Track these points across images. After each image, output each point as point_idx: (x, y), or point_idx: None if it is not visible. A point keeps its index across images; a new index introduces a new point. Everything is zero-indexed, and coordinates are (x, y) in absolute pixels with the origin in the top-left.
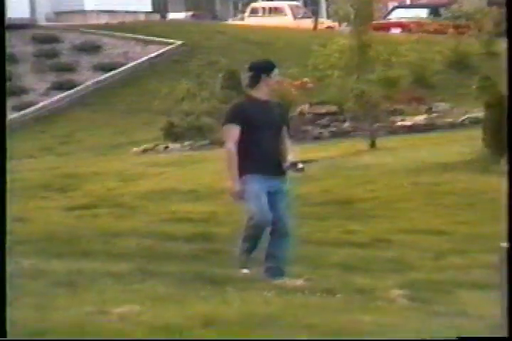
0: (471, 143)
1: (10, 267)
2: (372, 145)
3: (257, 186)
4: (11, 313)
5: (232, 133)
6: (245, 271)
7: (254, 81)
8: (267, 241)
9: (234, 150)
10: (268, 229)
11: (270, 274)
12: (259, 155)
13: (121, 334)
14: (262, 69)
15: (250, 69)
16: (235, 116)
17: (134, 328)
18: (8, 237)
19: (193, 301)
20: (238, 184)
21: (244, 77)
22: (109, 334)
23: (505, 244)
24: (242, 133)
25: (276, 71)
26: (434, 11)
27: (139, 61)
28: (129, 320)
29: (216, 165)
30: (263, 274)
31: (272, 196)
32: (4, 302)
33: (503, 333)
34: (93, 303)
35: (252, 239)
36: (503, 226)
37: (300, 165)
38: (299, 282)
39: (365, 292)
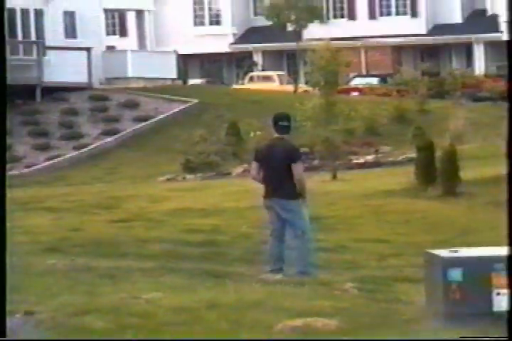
0: (407, 176)
1: (66, 264)
2: (334, 177)
3: None
4: (67, 297)
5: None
6: None
7: (289, 129)
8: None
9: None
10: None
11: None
12: None
13: (148, 314)
14: (289, 120)
15: (288, 119)
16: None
17: (157, 309)
18: (66, 242)
19: (200, 290)
20: None
21: (282, 125)
22: (138, 313)
23: (430, 250)
24: None
25: None
26: (383, 79)
27: (166, 114)
28: (154, 303)
29: (220, 190)
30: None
31: None
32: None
33: (427, 316)
34: (127, 291)
35: None
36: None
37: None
38: (279, 276)
39: (327, 284)
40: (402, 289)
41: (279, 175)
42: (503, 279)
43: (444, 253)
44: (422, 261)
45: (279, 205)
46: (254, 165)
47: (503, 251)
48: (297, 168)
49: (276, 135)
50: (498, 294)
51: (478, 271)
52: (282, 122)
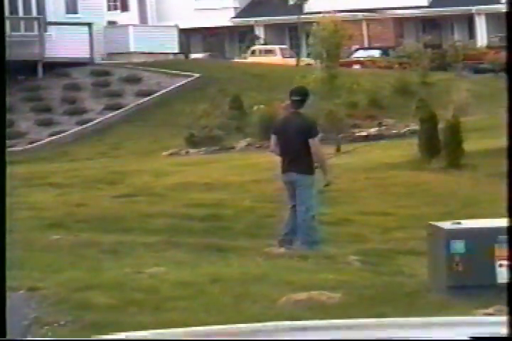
0: (410, 148)
1: (70, 239)
2: (338, 150)
3: None
4: (71, 272)
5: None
6: None
7: (303, 103)
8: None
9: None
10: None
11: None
12: None
13: (151, 288)
14: (307, 94)
15: (300, 94)
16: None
17: (161, 284)
18: (70, 218)
19: (204, 264)
20: None
21: (296, 99)
22: (143, 288)
23: (433, 222)
24: None
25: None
26: (385, 52)
27: (169, 89)
28: (157, 278)
29: (223, 164)
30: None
31: None
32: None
33: (430, 288)
34: (131, 266)
35: None
36: (434, 209)
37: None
38: (282, 250)
39: (330, 257)
40: (405, 262)
41: (295, 150)
42: (506, 251)
43: (446, 225)
44: (425, 233)
45: (293, 179)
46: (273, 138)
47: (506, 222)
48: (315, 143)
49: (291, 109)
50: (501, 266)
51: (481, 242)
52: (294, 96)
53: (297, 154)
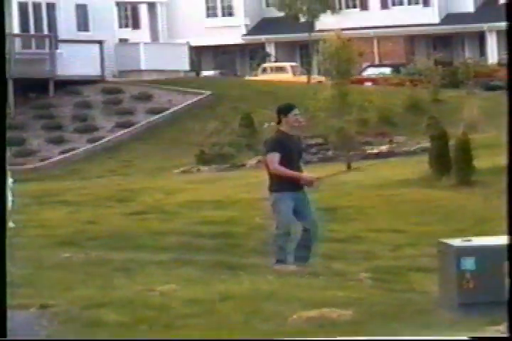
0: (421, 165)
1: (81, 257)
2: (349, 167)
3: (288, 201)
4: (82, 290)
5: (276, 158)
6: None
7: (278, 120)
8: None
9: (280, 167)
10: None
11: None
12: None
13: (162, 306)
14: (280, 112)
15: (279, 111)
16: (276, 146)
17: (172, 302)
18: (81, 235)
19: (215, 282)
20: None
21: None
22: (154, 306)
23: (443, 240)
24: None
25: (294, 111)
26: (396, 69)
27: (180, 106)
28: (168, 295)
29: (234, 182)
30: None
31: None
32: (4, 302)
33: (441, 305)
34: (142, 284)
35: None
36: (445, 226)
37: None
38: (293, 267)
39: (341, 274)
40: (416, 279)
41: (266, 168)
42: None
43: (457, 242)
44: (436, 250)
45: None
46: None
47: None
48: (268, 159)
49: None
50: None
51: (492, 259)
52: (277, 113)
53: (268, 172)
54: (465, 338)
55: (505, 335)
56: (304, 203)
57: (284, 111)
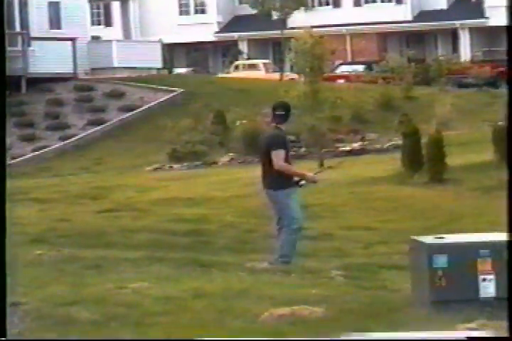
0: (393, 162)
1: (52, 255)
2: (321, 164)
3: (295, 197)
4: (54, 287)
5: (282, 155)
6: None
7: (286, 118)
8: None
9: (287, 164)
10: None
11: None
12: None
13: (134, 304)
14: (289, 110)
15: (285, 108)
16: (281, 143)
17: (143, 299)
18: (53, 233)
19: (187, 279)
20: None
21: (277, 114)
22: (125, 304)
23: (415, 237)
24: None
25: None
26: (369, 67)
27: (152, 104)
28: (140, 293)
29: (206, 179)
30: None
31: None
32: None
33: (413, 303)
34: (114, 281)
35: None
36: (417, 224)
37: (302, 182)
38: (265, 265)
39: (313, 272)
40: (388, 276)
41: (265, 165)
42: (489, 265)
43: (429, 239)
44: (408, 248)
45: (268, 195)
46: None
47: (488, 237)
48: (274, 156)
49: (273, 124)
50: (484, 280)
51: (464, 257)
52: (279, 111)
53: (266, 169)
54: (464, 338)
55: (505, 335)
56: (297, 201)
57: (290, 110)
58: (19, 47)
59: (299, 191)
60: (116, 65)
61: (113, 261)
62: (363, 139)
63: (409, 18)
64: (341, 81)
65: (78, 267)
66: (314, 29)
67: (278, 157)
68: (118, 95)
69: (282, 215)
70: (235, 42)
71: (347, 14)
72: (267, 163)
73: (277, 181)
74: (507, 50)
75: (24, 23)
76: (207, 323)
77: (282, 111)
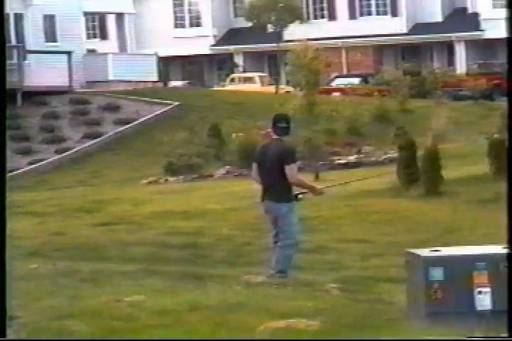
0: (389, 175)
1: (48, 268)
2: (317, 177)
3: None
4: (50, 301)
5: (296, 169)
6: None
7: (288, 131)
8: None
9: (301, 178)
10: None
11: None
12: None
13: (130, 317)
14: (290, 122)
15: (287, 121)
16: (295, 156)
17: (140, 312)
18: (49, 246)
19: (182, 292)
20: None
21: (280, 126)
22: (121, 317)
23: (410, 250)
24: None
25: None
26: (364, 79)
27: (147, 117)
28: (136, 306)
29: (202, 192)
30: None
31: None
32: (4, 302)
33: (409, 315)
34: (110, 294)
35: None
36: (413, 236)
37: (300, 196)
38: (261, 278)
39: (309, 285)
40: (384, 289)
41: (271, 177)
42: (485, 278)
43: (425, 252)
44: (404, 261)
45: (269, 208)
46: (254, 166)
47: (485, 249)
48: (289, 170)
49: (274, 136)
50: (480, 293)
51: (460, 270)
52: (280, 123)
53: (274, 182)
54: (465, 338)
55: (505, 335)
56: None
57: (289, 120)
58: (15, 61)
59: (297, 205)
60: (111, 78)
61: (109, 274)
62: (358, 152)
63: (405, 30)
64: (337, 94)
65: (74, 280)
66: (309, 42)
67: (293, 171)
68: (114, 108)
69: (282, 229)
70: (230, 55)
71: (342, 27)
72: (275, 175)
73: (282, 194)
74: (507, 62)
75: (20, 37)
76: (202, 336)
77: (284, 124)
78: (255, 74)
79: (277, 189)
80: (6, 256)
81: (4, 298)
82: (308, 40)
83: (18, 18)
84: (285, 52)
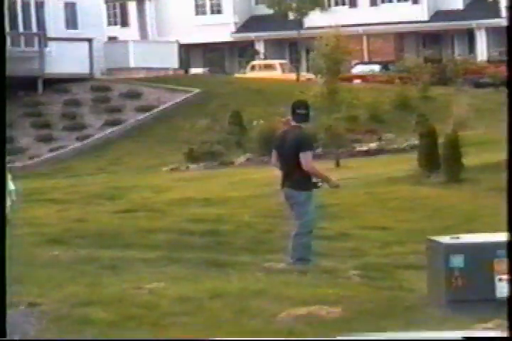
0: (410, 163)
1: (69, 255)
2: (338, 164)
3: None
4: (70, 288)
5: (311, 157)
6: None
7: (307, 117)
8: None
9: (315, 166)
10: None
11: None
12: None
13: (151, 304)
14: (309, 109)
15: (306, 107)
16: (311, 144)
17: (160, 300)
18: (69, 233)
19: (203, 280)
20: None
21: (298, 113)
22: (142, 304)
23: (431, 237)
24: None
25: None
26: (385, 67)
27: (169, 104)
28: (157, 293)
29: (223, 180)
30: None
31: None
32: (4, 302)
33: (429, 303)
34: (130, 282)
35: None
36: (433, 224)
37: (320, 184)
38: (282, 265)
39: (330, 272)
40: (405, 276)
41: (289, 164)
42: (506, 265)
43: (445, 239)
44: (424, 248)
45: (288, 195)
46: (273, 152)
47: (505, 237)
48: (304, 157)
49: (293, 123)
50: (501, 280)
51: (481, 257)
52: (299, 110)
53: (291, 169)
54: (460, 338)
55: (505, 335)
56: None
57: (308, 107)
58: (36, 48)
59: (316, 192)
60: (132, 65)
61: (130, 261)
62: (379, 139)
63: (426, 18)
64: (358, 81)
65: (95, 267)
66: (330, 29)
67: (307, 158)
68: (135, 95)
69: (297, 217)
70: (251, 43)
71: (363, 14)
72: (292, 162)
73: (300, 182)
74: (507, 50)
75: (40, 24)
76: (224, 323)
77: (304, 110)
78: (276, 62)
79: (295, 176)
80: (5, 257)
81: (4, 298)
82: (329, 27)
83: (39, 5)
84: (306, 40)
